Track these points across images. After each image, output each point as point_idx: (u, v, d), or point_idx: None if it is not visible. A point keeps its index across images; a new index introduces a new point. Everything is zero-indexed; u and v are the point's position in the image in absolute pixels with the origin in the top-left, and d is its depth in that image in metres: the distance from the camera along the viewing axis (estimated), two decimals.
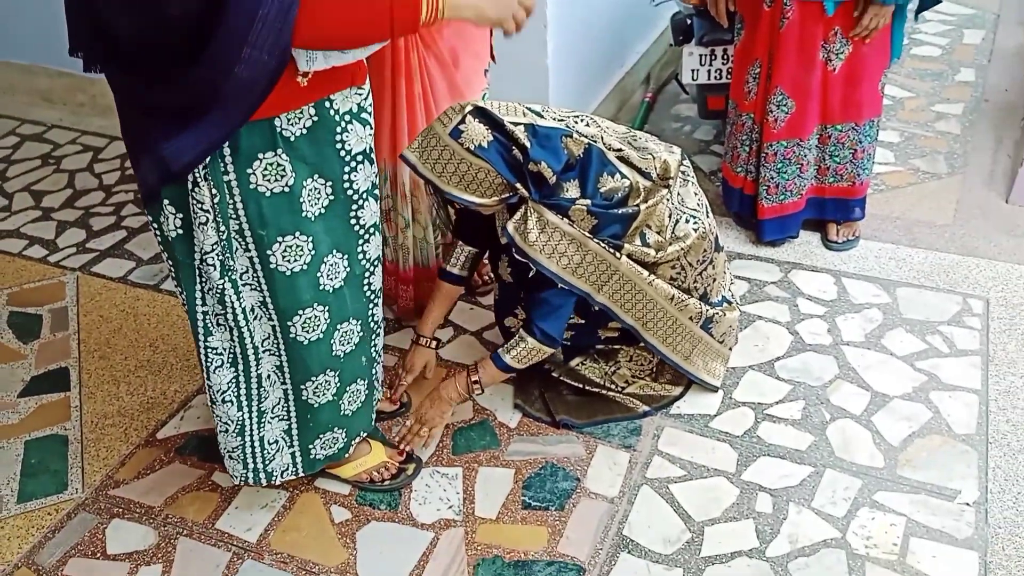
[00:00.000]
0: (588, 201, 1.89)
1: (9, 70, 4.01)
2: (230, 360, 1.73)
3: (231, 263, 1.60)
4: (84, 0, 1.40)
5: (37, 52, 3.86)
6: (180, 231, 1.59)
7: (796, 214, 2.74)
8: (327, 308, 1.72)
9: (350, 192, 1.66)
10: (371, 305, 1.84)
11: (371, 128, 1.67)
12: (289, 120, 1.51)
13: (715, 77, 2.98)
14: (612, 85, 3.55)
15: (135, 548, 1.95)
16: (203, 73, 1.32)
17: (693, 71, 2.99)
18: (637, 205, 1.95)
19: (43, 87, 3.95)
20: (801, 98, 2.53)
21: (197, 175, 1.49)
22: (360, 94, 1.63)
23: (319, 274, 1.67)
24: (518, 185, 1.83)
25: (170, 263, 1.68)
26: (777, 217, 2.73)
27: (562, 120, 1.95)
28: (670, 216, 2.04)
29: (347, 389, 1.86)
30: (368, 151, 1.67)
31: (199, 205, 1.52)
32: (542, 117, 1.91)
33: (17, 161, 3.55)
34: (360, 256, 1.75)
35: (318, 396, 1.82)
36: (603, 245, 1.92)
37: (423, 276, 2.42)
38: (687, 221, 2.07)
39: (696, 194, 2.15)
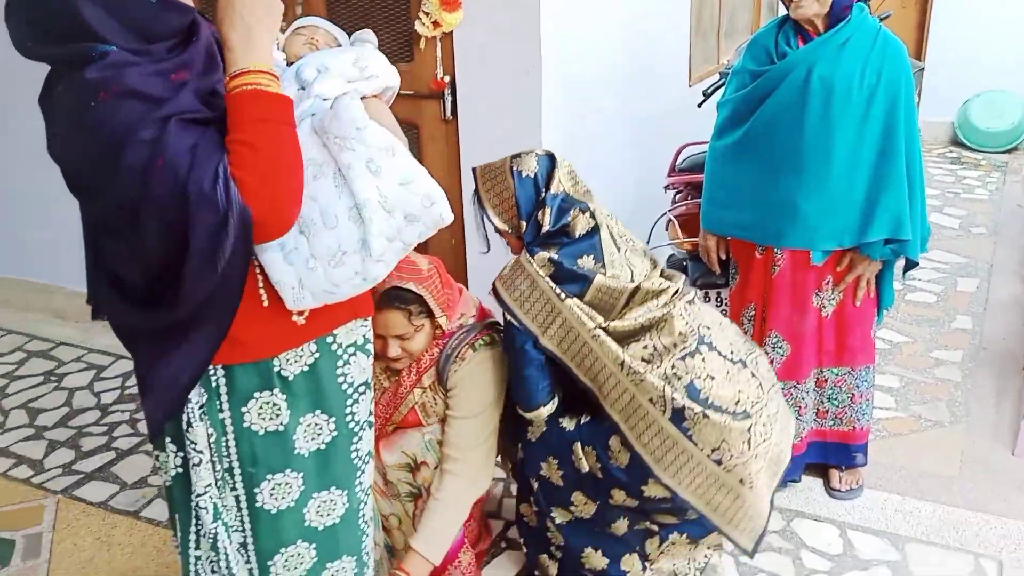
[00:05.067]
0: (556, 256, 1.99)
1: (27, 289, 4.13)
2: None
3: (223, 503, 1.55)
4: (101, 259, 1.47)
5: (54, 272, 4.01)
6: (180, 470, 1.56)
7: (797, 457, 2.68)
8: (313, 545, 1.64)
9: (352, 425, 1.63)
10: (364, 536, 1.76)
11: (374, 356, 1.68)
12: (288, 360, 1.51)
13: None
14: None
15: None
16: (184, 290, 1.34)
17: None
18: (596, 272, 1.98)
19: (58, 306, 4.05)
20: (796, 342, 2.55)
21: (192, 414, 1.48)
22: (365, 326, 1.64)
23: (305, 510, 1.61)
24: (522, 222, 2.03)
25: (169, 502, 1.63)
26: None
27: (604, 216, 2.08)
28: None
29: None
30: (369, 381, 1.67)
31: (193, 445, 1.50)
32: (592, 198, 2.09)
33: (19, 377, 3.57)
34: (357, 488, 1.69)
35: None
36: (550, 284, 1.98)
37: None
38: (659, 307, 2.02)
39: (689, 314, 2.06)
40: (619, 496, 2.02)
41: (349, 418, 1.62)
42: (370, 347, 1.65)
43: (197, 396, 1.48)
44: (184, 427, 1.49)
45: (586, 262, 1.98)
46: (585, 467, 2.02)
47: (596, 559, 2.12)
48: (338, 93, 1.50)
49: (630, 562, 2.13)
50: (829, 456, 2.71)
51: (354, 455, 1.65)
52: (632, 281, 2.00)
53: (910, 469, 2.79)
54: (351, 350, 1.60)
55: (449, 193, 1.54)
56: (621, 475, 1.98)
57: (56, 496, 2.78)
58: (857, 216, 2.40)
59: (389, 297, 2.00)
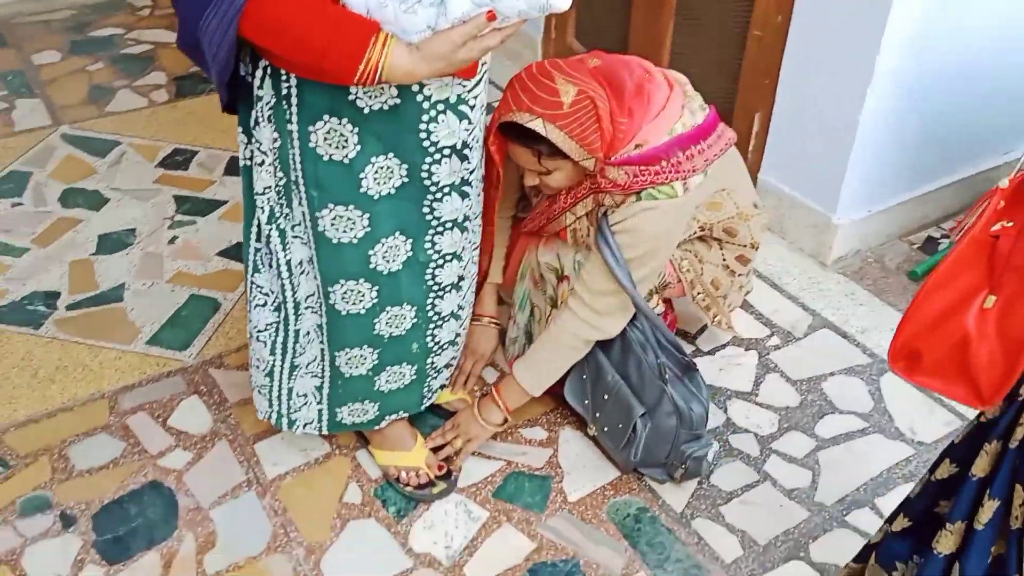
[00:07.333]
0: None
1: None
2: (274, 305, 1.68)
3: (286, 211, 1.53)
4: None
5: None
6: (248, 162, 1.55)
7: None
8: (375, 287, 1.59)
9: (428, 183, 1.49)
10: (433, 297, 1.68)
11: (470, 122, 1.47)
12: (367, 92, 1.36)
13: None
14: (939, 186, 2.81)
15: (186, 429, 2.03)
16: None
17: None
18: None
19: None
20: None
21: (260, 114, 1.43)
22: (464, 86, 1.43)
23: (371, 252, 1.54)
24: None
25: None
26: None
27: None
28: None
29: (386, 368, 1.74)
30: (461, 146, 1.48)
31: (258, 146, 1.47)
32: None
33: None
34: (427, 246, 1.58)
35: (351, 367, 1.72)
36: None
37: None
38: None
39: None
40: None
41: (426, 176, 1.47)
42: (464, 109, 1.44)
43: (268, 97, 1.41)
44: (251, 124, 1.44)
45: None
46: None
47: None
48: None
49: None
50: None
51: (427, 212, 1.52)
52: None
53: None
54: (440, 107, 1.41)
55: None
56: None
57: None
58: None
59: (512, 130, 1.65)
